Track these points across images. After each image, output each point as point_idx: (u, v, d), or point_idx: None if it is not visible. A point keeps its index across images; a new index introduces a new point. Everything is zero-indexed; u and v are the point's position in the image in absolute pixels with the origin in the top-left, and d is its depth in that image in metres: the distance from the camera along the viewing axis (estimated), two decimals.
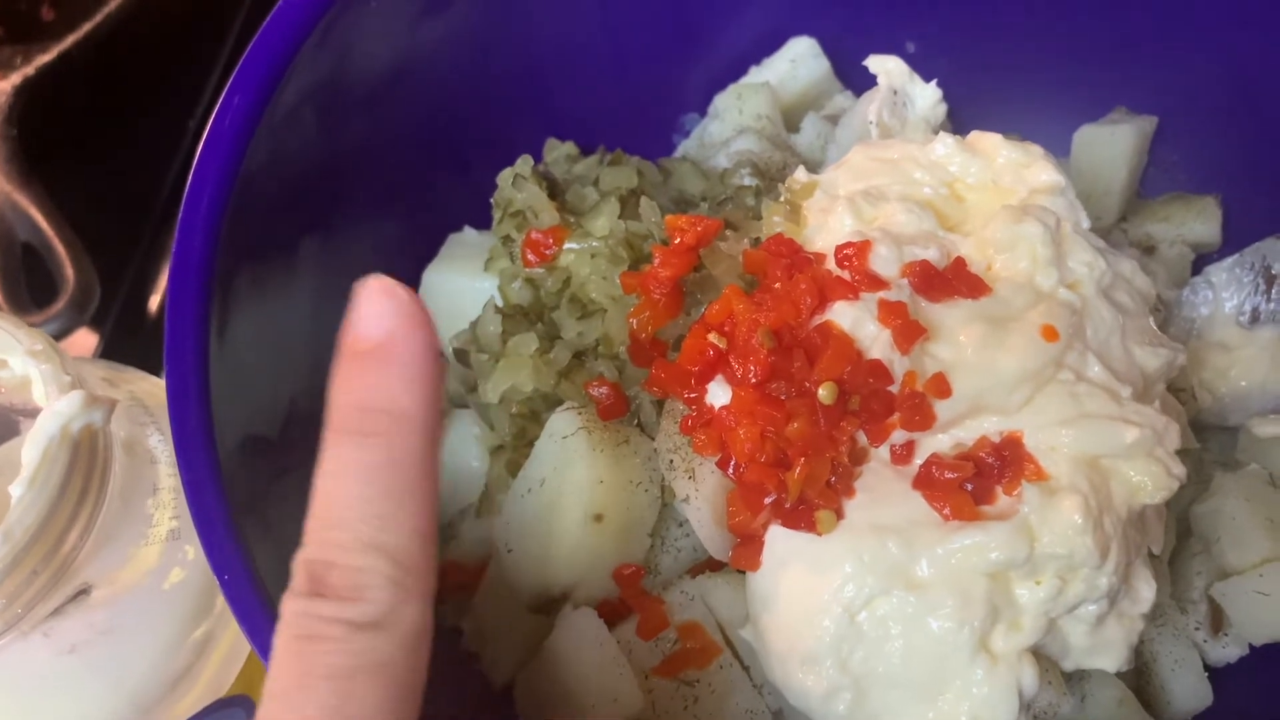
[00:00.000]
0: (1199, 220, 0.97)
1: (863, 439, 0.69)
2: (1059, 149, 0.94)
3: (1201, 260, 0.97)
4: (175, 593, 0.80)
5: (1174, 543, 0.84)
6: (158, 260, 1.22)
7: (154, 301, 1.21)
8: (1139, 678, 0.81)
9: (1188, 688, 0.80)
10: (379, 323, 0.50)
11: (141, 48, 1.22)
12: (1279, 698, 0.81)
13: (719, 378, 0.71)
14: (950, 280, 0.71)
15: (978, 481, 0.67)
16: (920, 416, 0.68)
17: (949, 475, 0.66)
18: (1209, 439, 0.90)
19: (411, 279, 0.91)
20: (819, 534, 0.67)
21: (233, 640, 0.85)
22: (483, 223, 0.93)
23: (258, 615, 0.60)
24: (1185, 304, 0.93)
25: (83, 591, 0.77)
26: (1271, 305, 0.91)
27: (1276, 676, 0.81)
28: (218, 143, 0.71)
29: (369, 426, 0.49)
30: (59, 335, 1.06)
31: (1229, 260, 0.93)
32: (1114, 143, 0.97)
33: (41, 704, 0.76)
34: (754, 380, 0.68)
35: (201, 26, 1.30)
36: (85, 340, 1.17)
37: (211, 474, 0.63)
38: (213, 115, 0.72)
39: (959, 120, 1.00)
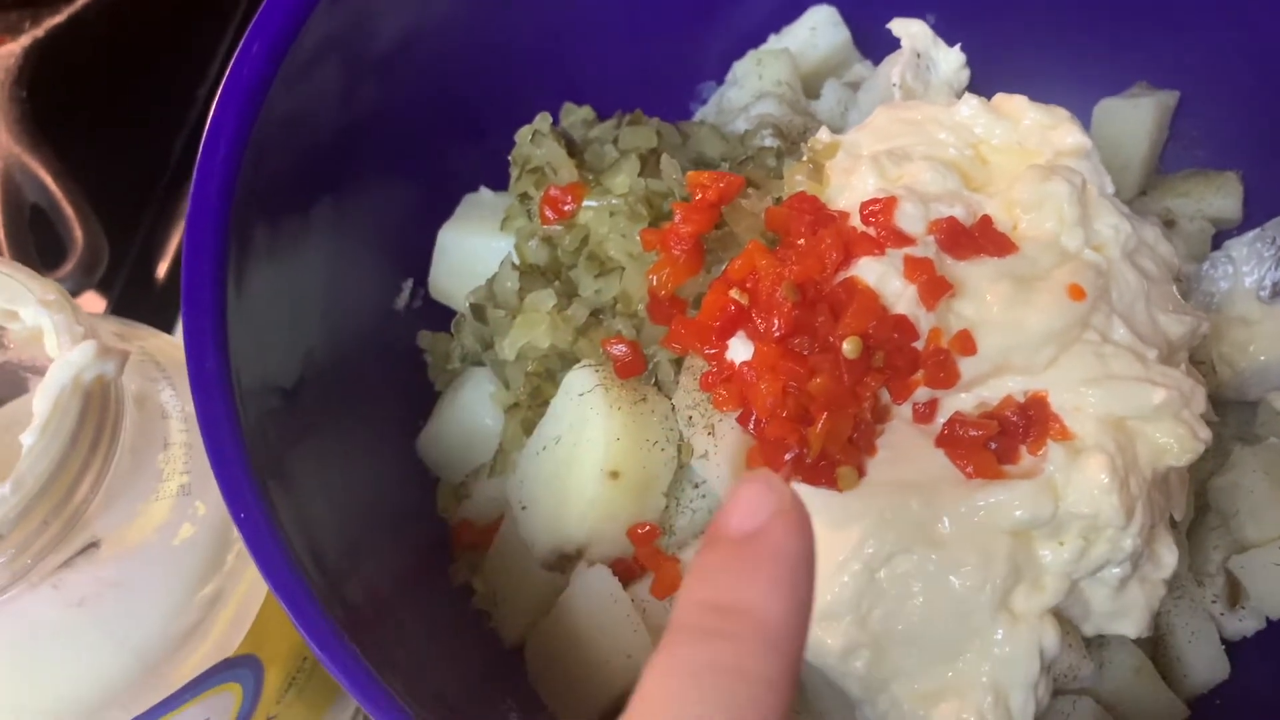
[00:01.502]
0: (1219, 195, 0.96)
1: (885, 396, 0.69)
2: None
3: (1221, 235, 0.97)
4: (184, 549, 0.80)
5: (1192, 515, 0.83)
6: (167, 224, 1.21)
7: (162, 266, 1.20)
8: (1155, 649, 0.80)
9: (1205, 660, 0.79)
10: (755, 512, 0.42)
11: (151, 9, 1.22)
12: None
13: (740, 334, 0.70)
14: (977, 238, 0.70)
15: (1002, 440, 0.67)
16: (945, 374, 0.67)
17: (973, 433, 0.66)
18: (1228, 413, 0.89)
19: (427, 238, 0.91)
20: (840, 490, 0.66)
21: (242, 599, 0.84)
22: (498, 184, 0.93)
23: (275, 554, 0.59)
24: (1205, 278, 0.93)
25: (92, 545, 0.76)
26: None
27: None
28: (235, 90, 0.70)
29: (718, 626, 0.40)
30: None
31: (1249, 235, 0.92)
32: (1135, 116, 0.97)
33: (49, 655, 0.76)
34: (777, 335, 0.67)
35: None
36: (93, 303, 1.16)
37: (229, 413, 0.62)
38: (230, 65, 0.72)
39: (979, 92, 0.98)
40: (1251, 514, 0.81)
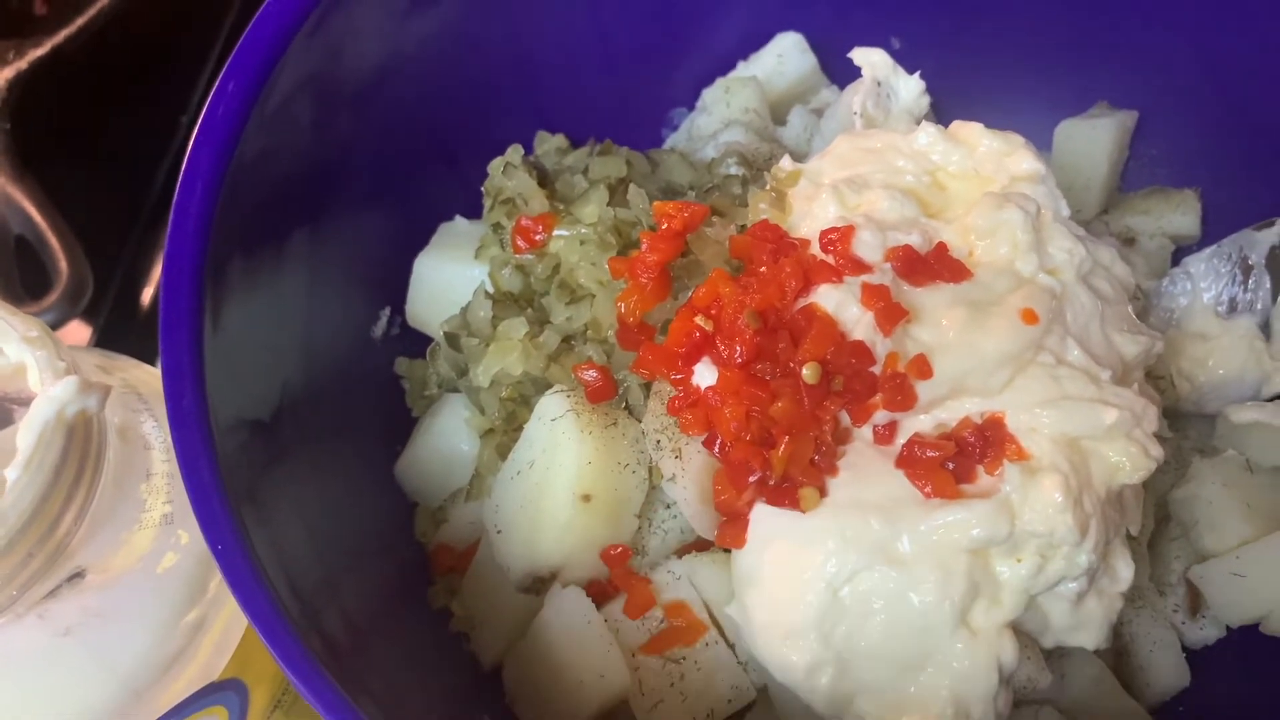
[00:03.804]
0: (1178, 213, 0.99)
1: (846, 419, 0.71)
2: (1041, 143, 0.95)
3: (1181, 252, 0.99)
4: (168, 577, 0.81)
5: (1152, 527, 0.85)
6: (150, 253, 1.23)
7: (146, 294, 1.21)
8: (1118, 659, 0.82)
9: (1166, 668, 0.81)
10: None
11: (134, 42, 1.23)
12: (1255, 677, 0.82)
13: (705, 359, 0.72)
14: (932, 265, 0.72)
15: (959, 460, 0.68)
16: (902, 397, 0.69)
17: (930, 454, 0.68)
18: (1187, 426, 0.91)
19: (404, 266, 0.92)
20: (803, 511, 0.68)
21: (225, 624, 0.85)
22: (473, 213, 0.94)
23: (252, 586, 0.61)
24: (1164, 294, 0.95)
25: (77, 575, 0.77)
26: (1248, 295, 0.92)
27: (1252, 657, 0.83)
28: (212, 127, 0.72)
29: None
30: (53, 327, 1.06)
31: (1207, 251, 0.94)
32: (1095, 137, 0.99)
33: (36, 685, 0.77)
34: (740, 361, 0.69)
35: (194, 21, 1.30)
36: (78, 332, 1.18)
37: (206, 449, 0.64)
38: (207, 102, 0.73)
39: (942, 115, 1.01)
40: (1210, 524, 0.83)
